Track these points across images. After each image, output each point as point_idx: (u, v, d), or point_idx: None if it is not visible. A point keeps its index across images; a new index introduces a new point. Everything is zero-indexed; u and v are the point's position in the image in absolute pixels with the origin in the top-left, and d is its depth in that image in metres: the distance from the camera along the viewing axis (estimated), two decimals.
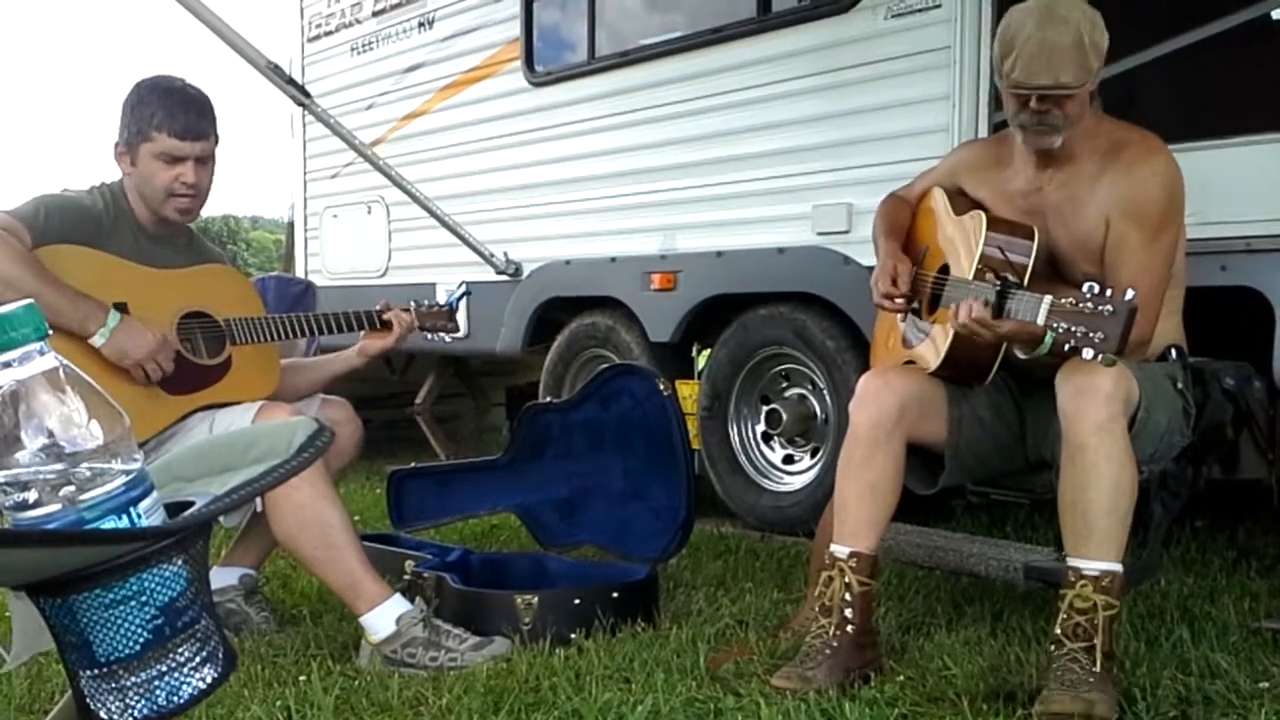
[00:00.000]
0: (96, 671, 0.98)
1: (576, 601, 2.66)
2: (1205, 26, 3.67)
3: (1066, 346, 1.99)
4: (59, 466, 0.93)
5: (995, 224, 2.37)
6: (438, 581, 2.78)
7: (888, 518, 2.39)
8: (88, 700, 0.99)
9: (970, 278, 2.31)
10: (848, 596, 2.31)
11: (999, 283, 2.19)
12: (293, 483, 2.00)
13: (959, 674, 2.26)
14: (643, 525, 3.09)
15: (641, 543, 3.04)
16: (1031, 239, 2.33)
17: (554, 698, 2.21)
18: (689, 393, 4.11)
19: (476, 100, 4.97)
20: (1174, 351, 2.42)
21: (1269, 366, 2.67)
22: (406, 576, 2.90)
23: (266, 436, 1.21)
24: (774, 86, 3.83)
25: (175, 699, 0.99)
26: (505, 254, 4.74)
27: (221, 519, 2.34)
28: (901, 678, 2.28)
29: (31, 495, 0.93)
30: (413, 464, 3.72)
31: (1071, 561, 2.13)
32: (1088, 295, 1.97)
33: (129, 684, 0.98)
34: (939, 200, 2.59)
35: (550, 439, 3.34)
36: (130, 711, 0.98)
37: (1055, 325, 1.99)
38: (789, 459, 4.04)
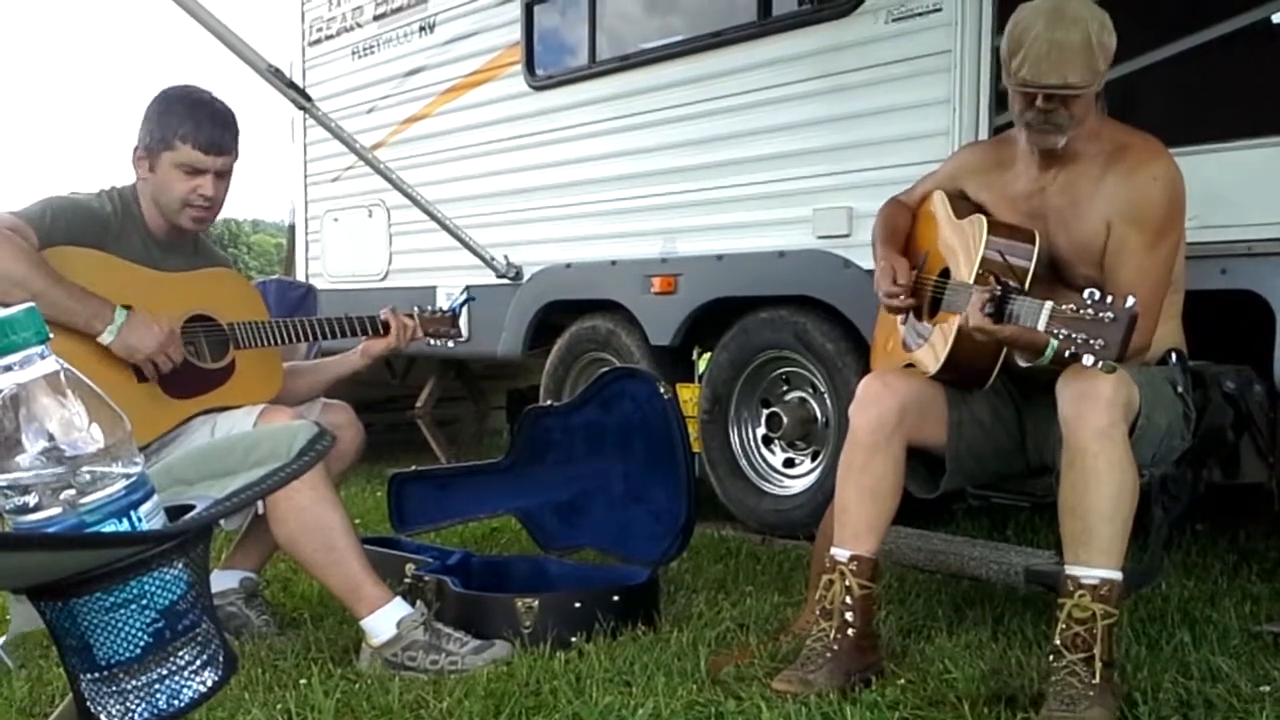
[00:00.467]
0: (97, 675, 0.98)
1: (577, 605, 2.66)
2: (1206, 30, 3.67)
3: (1067, 353, 1.99)
4: (59, 470, 0.93)
5: (996, 228, 2.37)
6: (438, 585, 2.78)
7: (888, 521, 2.39)
8: (88, 703, 0.99)
9: (971, 282, 2.31)
10: (848, 600, 2.31)
11: (1000, 287, 2.19)
12: (294, 486, 2.01)
13: (960, 677, 2.26)
14: (643, 528, 3.09)
15: (642, 546, 3.04)
16: (1033, 243, 2.33)
17: (554, 701, 2.20)
18: (689, 396, 4.11)
19: (477, 104, 4.97)
20: (1174, 355, 2.42)
21: (1269, 370, 2.66)
22: (407, 580, 2.90)
23: (267, 440, 1.21)
24: (774, 90, 3.83)
25: (176, 702, 0.99)
26: (506, 257, 4.74)
27: (222, 522, 2.35)
28: (902, 681, 2.28)
29: (32, 499, 0.93)
30: (413, 467, 3.72)
31: (1070, 570, 2.13)
32: (1088, 302, 1.97)
33: (130, 687, 0.98)
34: (940, 204, 2.59)
35: (551, 442, 3.34)
36: (131, 714, 0.98)
37: (1056, 331, 1.99)
38: (789, 462, 4.04)
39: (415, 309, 3.05)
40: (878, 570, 2.39)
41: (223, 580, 2.79)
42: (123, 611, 0.96)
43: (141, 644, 0.97)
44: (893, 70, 3.50)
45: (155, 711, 0.98)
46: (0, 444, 0.93)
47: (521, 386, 6.22)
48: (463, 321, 3.30)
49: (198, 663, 1.01)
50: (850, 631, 2.29)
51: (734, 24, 3.99)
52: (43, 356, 0.96)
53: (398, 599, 2.51)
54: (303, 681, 2.34)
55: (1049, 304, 2.03)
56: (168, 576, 0.98)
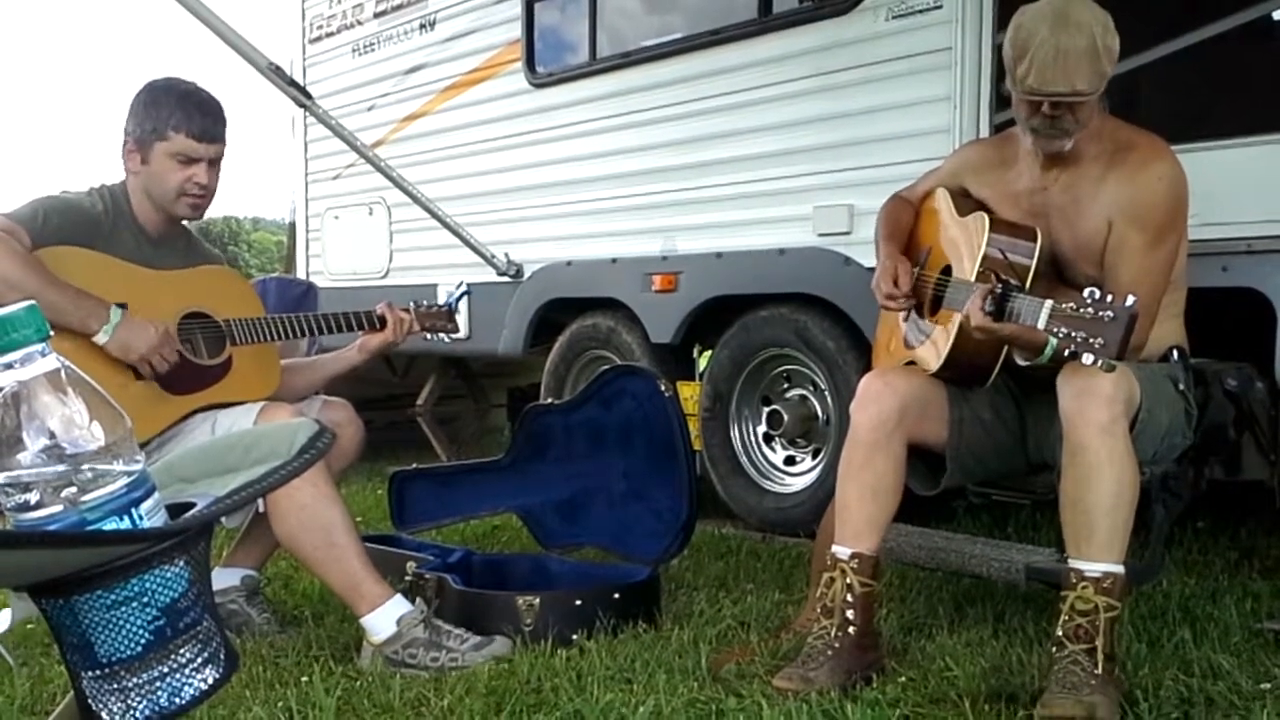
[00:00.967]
0: (98, 672, 0.98)
1: (578, 602, 2.66)
2: (1207, 27, 3.67)
3: (1067, 352, 1.99)
4: (61, 468, 0.93)
5: (998, 225, 2.37)
6: (439, 582, 2.78)
7: (889, 519, 2.39)
8: (89, 701, 0.99)
9: (972, 279, 2.31)
10: (849, 598, 2.31)
11: (1000, 285, 2.19)
12: (294, 483, 2.00)
13: (961, 675, 2.26)
14: (644, 526, 3.09)
15: (643, 544, 3.04)
16: (1034, 240, 2.33)
17: (556, 699, 2.21)
18: (690, 394, 4.11)
19: (477, 101, 4.97)
20: (1175, 352, 2.42)
21: (1270, 367, 2.66)
22: (408, 578, 2.90)
23: (268, 438, 1.21)
24: (775, 88, 3.83)
25: (177, 700, 0.99)
26: (506, 255, 4.74)
27: (223, 519, 2.34)
28: (903, 679, 2.28)
29: (33, 496, 0.93)
30: (414, 465, 3.72)
31: (1073, 563, 2.13)
32: (1088, 300, 1.97)
33: (131, 685, 0.98)
34: (942, 201, 2.59)
35: (552, 440, 3.34)
36: (132, 712, 0.98)
37: (1056, 330, 1.99)
38: (790, 460, 4.04)
39: (411, 304, 3.05)
40: (879, 568, 2.40)
41: (224, 578, 2.79)
42: (124, 609, 0.96)
43: (143, 641, 0.97)
44: (893, 67, 3.50)
45: (156, 709, 0.98)
46: (1, 442, 0.93)
47: (522, 384, 6.22)
48: (460, 317, 3.30)
49: (199, 660, 1.01)
50: (851, 629, 2.29)
51: (734, 21, 3.99)
52: (43, 354, 0.96)
53: (398, 596, 2.51)
54: (304, 679, 2.34)
55: (1049, 302, 2.03)
56: (169, 574, 0.98)
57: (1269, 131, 2.80)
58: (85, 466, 0.94)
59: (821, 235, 3.71)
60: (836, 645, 2.28)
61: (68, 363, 0.97)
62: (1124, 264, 2.29)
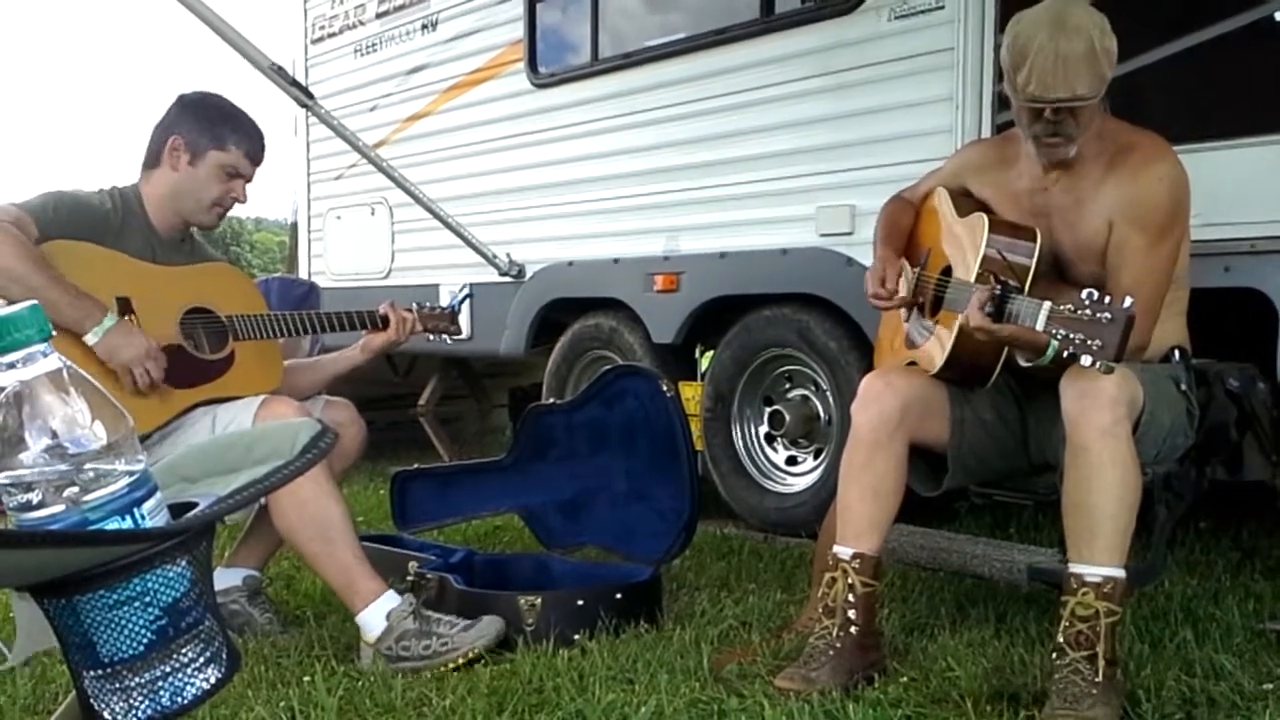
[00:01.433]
0: (100, 672, 0.98)
1: (580, 602, 2.66)
2: (1210, 27, 3.67)
3: (1066, 353, 1.99)
4: (63, 467, 0.93)
5: (998, 226, 2.37)
6: (441, 582, 2.78)
7: (890, 519, 2.39)
8: (92, 700, 0.99)
9: (972, 280, 2.31)
10: (851, 598, 2.31)
11: (999, 286, 2.19)
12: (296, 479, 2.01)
13: (962, 675, 2.26)
14: (646, 526, 3.09)
15: (645, 544, 3.04)
16: (1034, 241, 2.33)
17: (557, 699, 2.21)
18: (692, 394, 4.11)
19: (480, 102, 4.97)
20: (1178, 353, 2.42)
21: (1273, 367, 2.66)
22: (410, 578, 2.90)
23: (270, 437, 1.21)
24: (777, 88, 3.83)
25: (179, 699, 0.99)
26: (508, 255, 4.74)
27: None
28: (905, 679, 2.28)
29: (35, 496, 0.93)
30: (416, 465, 3.72)
31: (1074, 567, 2.13)
32: (1086, 302, 1.97)
33: (133, 684, 0.98)
34: (942, 201, 2.59)
35: (554, 440, 3.34)
36: (134, 712, 0.98)
37: (1055, 332, 1.99)
38: (792, 460, 4.04)
39: (414, 305, 3.06)
40: (880, 568, 2.39)
41: (226, 578, 2.79)
42: (126, 609, 0.96)
43: (145, 641, 0.97)
44: (895, 68, 3.50)
45: (158, 709, 0.98)
46: (3, 441, 0.93)
47: (524, 384, 6.22)
48: (463, 318, 3.31)
49: (201, 660, 1.01)
50: (853, 629, 2.29)
51: (737, 21, 3.99)
52: (45, 354, 0.96)
53: (390, 592, 2.52)
54: (306, 679, 2.35)
55: (1047, 304, 2.03)
56: (171, 574, 0.98)
57: (1271, 132, 2.80)
58: (87, 466, 0.94)
59: (824, 235, 3.71)
60: (838, 645, 2.28)
61: (70, 363, 0.97)
62: (1125, 264, 2.29)
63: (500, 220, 4.82)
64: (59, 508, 0.93)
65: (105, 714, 0.98)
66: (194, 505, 1.08)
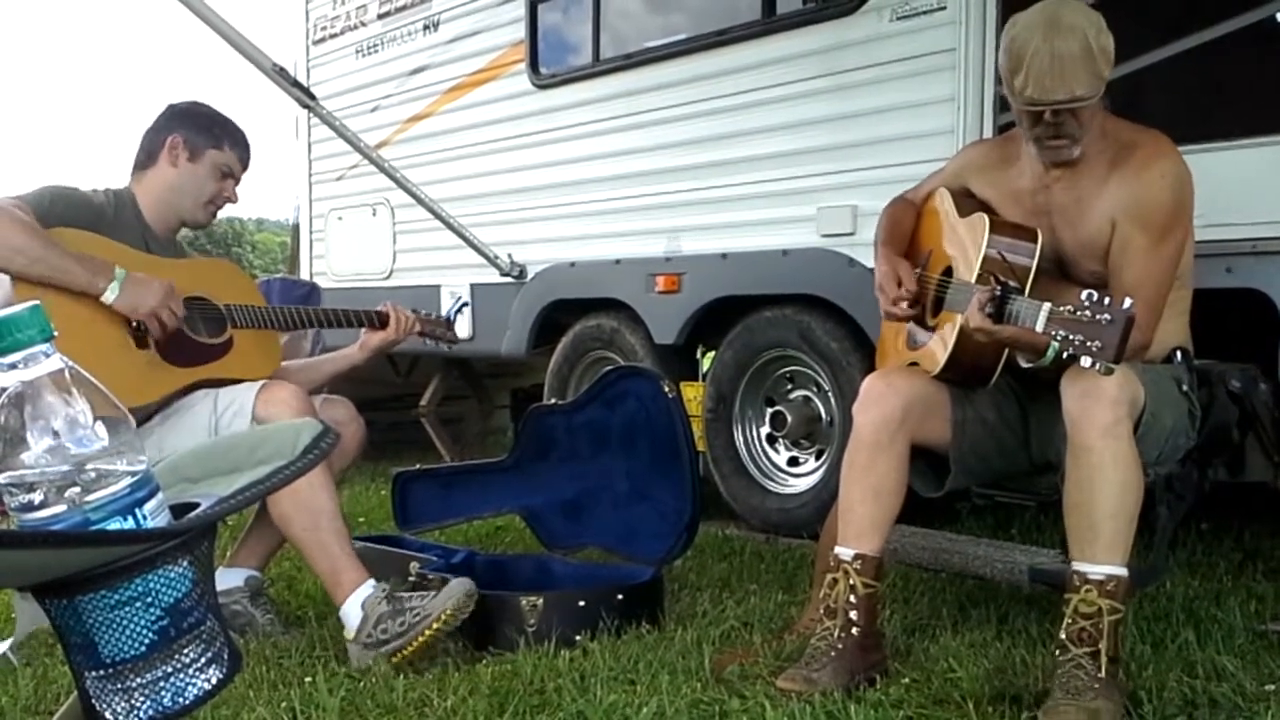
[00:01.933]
0: (102, 672, 0.98)
1: (581, 603, 2.66)
2: (1212, 28, 3.67)
3: (1066, 354, 1.99)
4: (64, 467, 0.93)
5: (998, 227, 2.37)
6: (443, 583, 2.78)
7: (892, 520, 2.39)
8: (93, 701, 0.99)
9: (973, 281, 2.31)
10: (852, 599, 2.31)
11: (1000, 287, 2.18)
12: None
13: (964, 676, 2.26)
14: (647, 527, 3.09)
15: (646, 544, 3.04)
16: (1035, 241, 2.33)
17: (559, 699, 2.21)
18: (694, 395, 4.11)
19: (481, 103, 4.97)
20: (1179, 353, 2.42)
21: (1275, 368, 2.66)
22: (411, 578, 2.90)
23: (272, 438, 1.21)
24: (779, 89, 3.83)
25: (180, 700, 0.99)
26: (510, 256, 4.74)
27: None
28: (907, 680, 2.28)
29: (37, 496, 0.93)
30: (418, 466, 3.73)
31: (1076, 566, 2.13)
32: (1086, 303, 1.96)
33: (134, 685, 0.98)
34: (944, 202, 2.59)
35: (555, 441, 3.34)
36: (136, 712, 0.98)
37: (1055, 333, 1.99)
38: (794, 461, 4.04)
39: (412, 310, 3.08)
40: (882, 569, 2.39)
41: (227, 578, 2.79)
42: (127, 609, 0.97)
43: (146, 641, 0.97)
44: (897, 69, 3.50)
45: (160, 709, 0.98)
46: (5, 441, 0.93)
47: (525, 385, 6.22)
48: (463, 322, 3.34)
49: (202, 660, 1.01)
50: (854, 630, 2.29)
51: (738, 22, 3.99)
52: (47, 355, 0.96)
53: (370, 581, 2.54)
54: (307, 680, 2.35)
55: (1047, 305, 2.03)
56: (172, 574, 0.99)
57: (1273, 133, 2.80)
58: (89, 466, 0.94)
59: (825, 236, 3.71)
60: (840, 646, 2.28)
61: (71, 363, 0.98)
62: (1128, 264, 2.29)
63: (502, 221, 4.82)
64: (61, 508, 0.93)
65: (107, 714, 0.98)
66: (195, 505, 1.08)
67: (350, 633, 2.49)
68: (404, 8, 5.39)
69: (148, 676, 0.98)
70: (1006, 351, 2.31)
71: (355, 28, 5.71)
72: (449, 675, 2.39)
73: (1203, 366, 2.48)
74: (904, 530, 3.16)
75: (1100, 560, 2.10)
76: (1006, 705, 2.14)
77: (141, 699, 0.98)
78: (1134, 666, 2.30)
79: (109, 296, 2.49)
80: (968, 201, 2.55)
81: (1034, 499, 3.63)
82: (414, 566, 2.95)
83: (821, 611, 2.35)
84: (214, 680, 1.01)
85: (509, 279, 4.75)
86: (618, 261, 4.39)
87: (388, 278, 5.50)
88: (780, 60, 3.83)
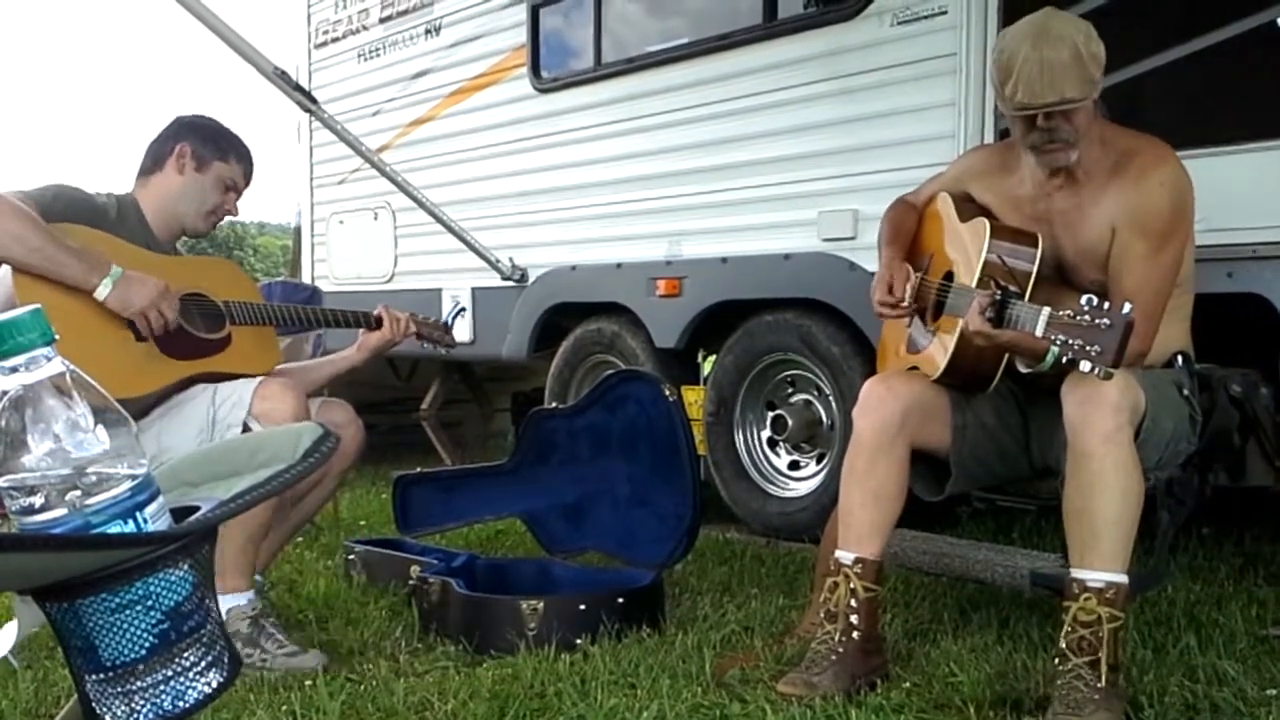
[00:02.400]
0: (102, 676, 0.98)
1: (582, 607, 2.66)
2: (1212, 33, 3.66)
3: (1065, 359, 1.99)
4: (65, 471, 0.93)
5: (999, 232, 2.37)
6: (443, 587, 2.78)
7: (892, 523, 2.39)
8: (94, 704, 0.99)
9: (973, 285, 2.31)
10: (853, 603, 2.31)
11: (1000, 291, 2.19)
12: None
13: (965, 681, 2.26)
14: (648, 531, 3.09)
15: (647, 548, 3.04)
16: (1035, 246, 2.33)
17: (559, 704, 2.20)
18: (694, 399, 4.11)
19: (483, 106, 4.98)
20: (1180, 358, 2.42)
21: (1275, 373, 2.66)
22: (412, 582, 2.90)
23: (272, 441, 1.21)
24: (780, 93, 3.83)
25: (181, 703, 0.99)
26: (511, 259, 4.74)
27: None
28: (908, 684, 2.28)
29: (38, 499, 0.93)
30: (418, 469, 3.73)
31: (1076, 573, 2.13)
32: (1085, 308, 1.97)
33: (135, 688, 0.98)
34: (945, 206, 2.59)
35: (556, 445, 3.35)
36: (136, 716, 0.98)
37: (1054, 338, 1.99)
38: (794, 465, 4.04)
39: (409, 313, 3.09)
40: (882, 573, 2.39)
41: None
42: (128, 613, 0.96)
43: (147, 645, 0.97)
44: (898, 73, 3.50)
45: (160, 712, 0.98)
46: (6, 445, 0.93)
47: (526, 389, 6.23)
48: (457, 332, 3.34)
49: (203, 664, 1.01)
50: (855, 634, 2.29)
51: (739, 27, 3.99)
52: (48, 358, 0.96)
53: (249, 593, 2.54)
54: (308, 683, 2.35)
55: (1046, 310, 2.03)
56: (173, 578, 0.98)
57: (1274, 138, 2.80)
58: (90, 470, 0.94)
59: (826, 240, 3.71)
60: (840, 650, 2.28)
61: (73, 366, 0.98)
62: (1127, 270, 2.29)
63: (503, 224, 4.82)
64: (61, 511, 0.93)
65: (107, 718, 0.98)
66: (196, 509, 1.08)
67: None
68: (406, 12, 5.39)
69: (148, 680, 0.98)
70: (1007, 356, 2.31)
71: (357, 32, 5.72)
72: (449, 679, 2.39)
73: (1204, 371, 2.48)
74: (905, 534, 3.16)
75: (1100, 567, 2.10)
76: (1007, 710, 2.14)
77: (142, 702, 0.98)
78: (1135, 672, 2.30)
79: (101, 293, 2.49)
80: (969, 206, 2.55)
81: (1035, 503, 3.63)
82: (415, 570, 2.95)
83: (822, 615, 2.35)
84: (214, 684, 1.01)
85: (510, 283, 4.76)
86: (619, 265, 4.39)
87: (389, 281, 5.50)
88: (781, 65, 3.83)
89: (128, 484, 0.96)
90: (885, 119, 3.55)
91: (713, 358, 4.23)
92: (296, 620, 2.96)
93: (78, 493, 0.94)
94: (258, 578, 2.87)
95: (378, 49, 5.57)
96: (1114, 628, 2.07)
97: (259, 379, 2.65)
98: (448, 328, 3.22)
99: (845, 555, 2.35)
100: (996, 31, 3.22)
